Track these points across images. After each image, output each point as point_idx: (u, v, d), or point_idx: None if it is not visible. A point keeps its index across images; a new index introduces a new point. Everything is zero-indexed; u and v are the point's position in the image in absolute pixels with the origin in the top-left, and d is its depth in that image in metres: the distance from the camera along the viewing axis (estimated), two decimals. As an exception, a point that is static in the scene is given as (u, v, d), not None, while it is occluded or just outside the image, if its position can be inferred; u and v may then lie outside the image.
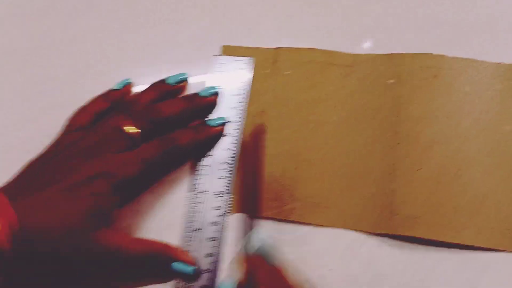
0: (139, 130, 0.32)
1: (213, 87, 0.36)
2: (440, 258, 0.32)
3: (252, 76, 0.37)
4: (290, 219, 0.33)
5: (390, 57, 0.37)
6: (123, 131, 0.32)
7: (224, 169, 0.34)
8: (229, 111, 0.36)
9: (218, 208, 0.33)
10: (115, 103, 0.35)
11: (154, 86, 0.36)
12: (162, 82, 0.36)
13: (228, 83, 0.37)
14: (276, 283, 0.28)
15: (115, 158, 0.31)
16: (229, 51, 0.39)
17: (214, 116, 0.36)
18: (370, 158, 0.34)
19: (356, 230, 0.33)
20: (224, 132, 0.35)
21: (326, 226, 0.33)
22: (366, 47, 0.38)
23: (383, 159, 0.34)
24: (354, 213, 0.33)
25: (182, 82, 0.37)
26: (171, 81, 0.36)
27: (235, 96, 0.36)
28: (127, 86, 0.36)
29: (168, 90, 0.36)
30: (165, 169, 0.34)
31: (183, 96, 0.36)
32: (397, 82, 0.36)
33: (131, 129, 0.32)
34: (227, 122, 0.35)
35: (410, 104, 0.35)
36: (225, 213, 0.33)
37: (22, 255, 0.27)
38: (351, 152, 0.35)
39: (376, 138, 0.35)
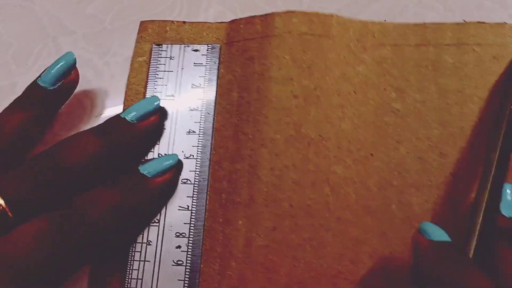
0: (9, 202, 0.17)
1: (151, 100, 0.20)
2: None
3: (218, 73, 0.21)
4: None
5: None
6: None
7: (179, 251, 0.18)
8: (184, 141, 0.20)
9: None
10: None
11: (21, 101, 0.20)
12: (33, 87, 0.20)
13: (179, 94, 0.21)
14: None
15: None
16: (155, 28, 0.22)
17: (156, 154, 0.20)
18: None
19: None
20: (178, 179, 0.20)
21: None
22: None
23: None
24: None
25: (62, 80, 0.20)
26: (46, 80, 0.20)
27: (193, 112, 0.20)
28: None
29: (43, 101, 0.20)
30: (59, 264, 0.17)
31: (97, 127, 0.20)
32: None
33: None
34: (179, 162, 0.19)
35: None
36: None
37: None
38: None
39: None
